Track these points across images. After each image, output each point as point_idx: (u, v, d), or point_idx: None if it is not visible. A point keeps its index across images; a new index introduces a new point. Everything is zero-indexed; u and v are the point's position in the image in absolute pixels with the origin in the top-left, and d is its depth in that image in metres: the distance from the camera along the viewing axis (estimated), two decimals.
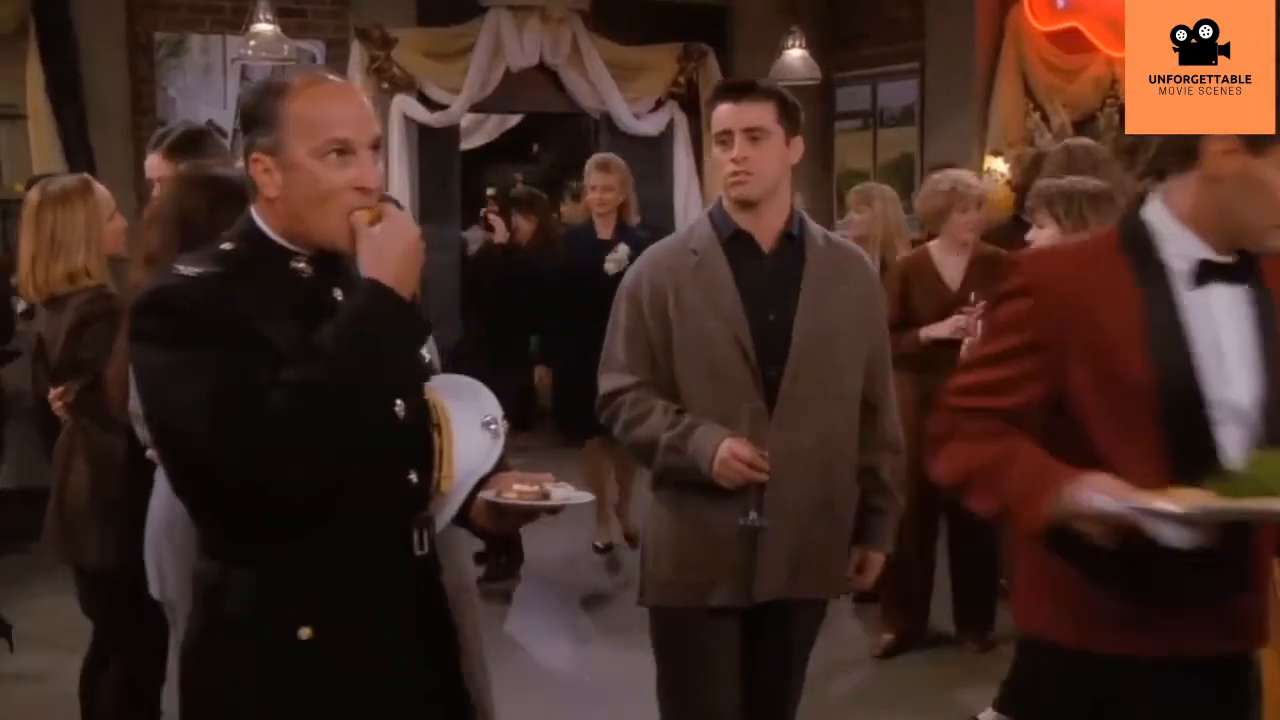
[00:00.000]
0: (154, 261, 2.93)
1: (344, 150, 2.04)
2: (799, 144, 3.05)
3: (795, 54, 8.13)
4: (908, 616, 5.31)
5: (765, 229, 3.03)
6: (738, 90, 3.02)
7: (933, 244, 5.18)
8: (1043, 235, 3.84)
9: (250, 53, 7.11)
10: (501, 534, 2.31)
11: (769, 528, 2.93)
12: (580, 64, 8.53)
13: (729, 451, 2.86)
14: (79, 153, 7.13)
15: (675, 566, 3.06)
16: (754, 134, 2.95)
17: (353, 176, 2.05)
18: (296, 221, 2.07)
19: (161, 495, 3.16)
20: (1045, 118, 7.70)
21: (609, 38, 8.59)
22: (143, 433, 2.97)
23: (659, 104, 8.93)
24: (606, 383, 3.09)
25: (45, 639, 5.11)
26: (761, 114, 2.96)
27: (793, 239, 3.04)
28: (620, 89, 8.67)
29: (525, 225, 7.27)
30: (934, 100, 8.19)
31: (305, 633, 2.04)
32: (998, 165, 7.51)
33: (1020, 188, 5.84)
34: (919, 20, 8.25)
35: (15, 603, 5.44)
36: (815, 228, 3.11)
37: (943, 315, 4.96)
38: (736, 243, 3.02)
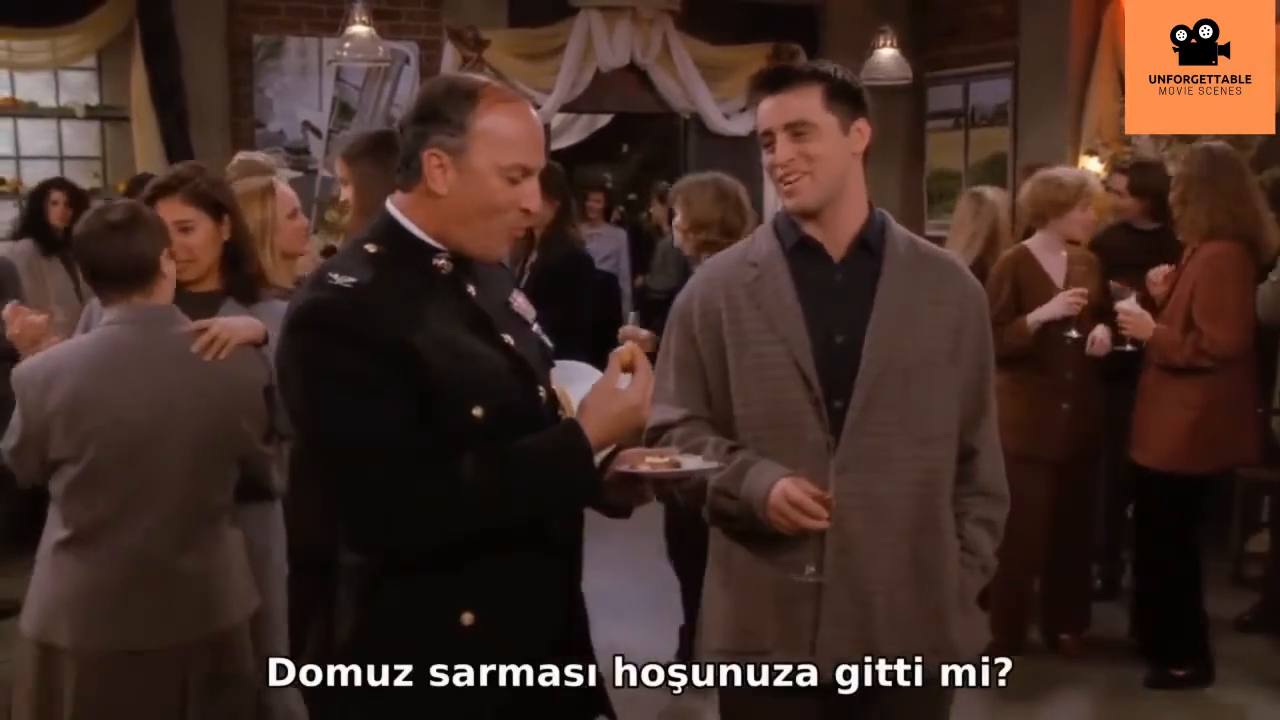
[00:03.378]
0: None
1: (525, 174, 2.11)
2: (864, 128, 2.51)
3: (886, 53, 8.06)
4: (1013, 622, 5.25)
5: (836, 235, 2.53)
6: (774, 79, 2.50)
7: (1031, 242, 5.14)
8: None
9: (345, 54, 7.22)
10: (632, 505, 2.32)
11: (831, 586, 2.47)
12: (670, 64, 8.55)
13: (780, 495, 2.38)
14: (180, 153, 7.28)
15: (725, 631, 2.60)
16: (798, 129, 2.45)
17: (522, 196, 2.12)
18: (457, 223, 2.12)
19: None
20: None
21: (699, 38, 8.60)
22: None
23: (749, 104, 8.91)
24: (654, 415, 2.53)
25: None
26: (803, 103, 2.45)
27: (868, 246, 2.54)
28: (710, 89, 8.67)
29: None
30: (1027, 99, 8.08)
31: (467, 618, 2.08)
32: (1092, 165, 7.40)
33: (1139, 190, 5.71)
34: (1013, 18, 8.15)
35: None
36: (899, 232, 2.59)
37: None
38: (802, 252, 2.54)
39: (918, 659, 2.49)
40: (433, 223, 2.13)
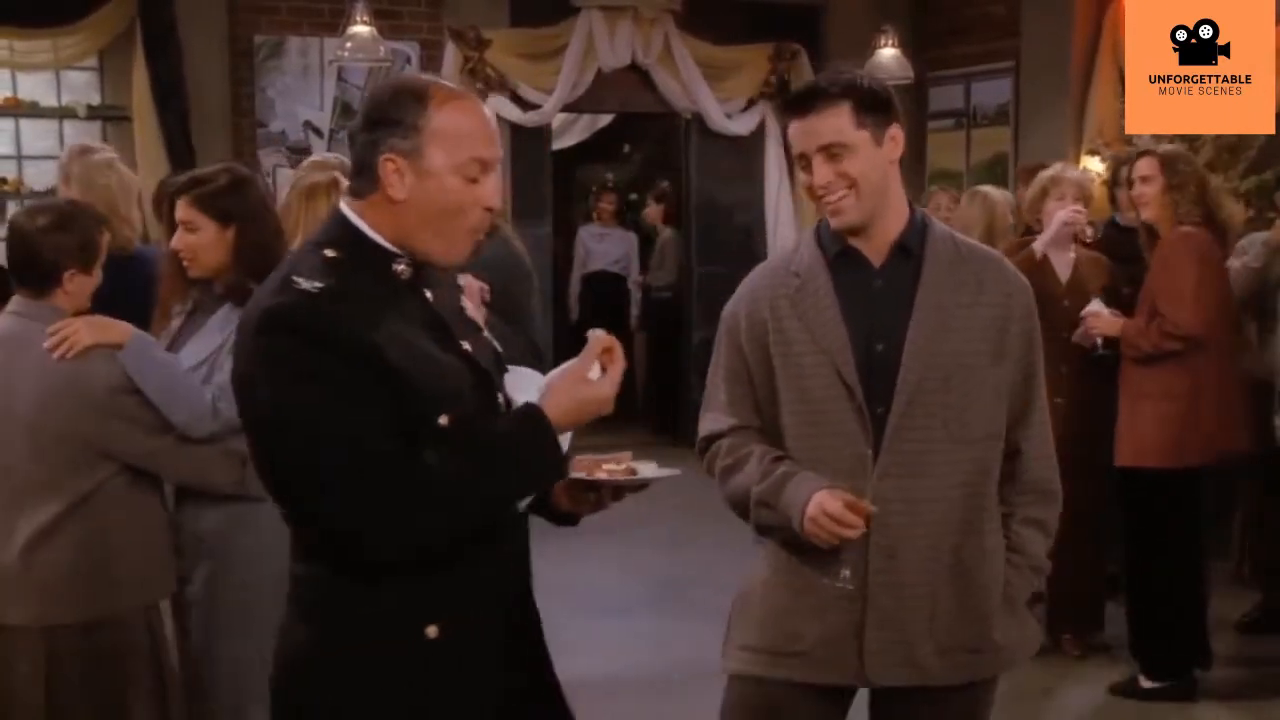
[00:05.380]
0: None
1: (483, 169, 2.08)
2: (897, 134, 2.50)
3: (888, 53, 8.07)
4: None
5: (877, 242, 2.53)
6: (802, 102, 2.49)
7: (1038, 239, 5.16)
8: None
9: (346, 54, 7.23)
10: (583, 514, 2.31)
11: (876, 591, 2.48)
12: (671, 64, 8.55)
13: (817, 507, 2.39)
14: (181, 153, 7.30)
15: (763, 630, 2.60)
16: (833, 150, 2.45)
17: (482, 194, 2.09)
18: (418, 227, 2.08)
19: None
20: None
21: (700, 37, 8.60)
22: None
23: (750, 103, 8.92)
24: (704, 425, 2.67)
25: None
26: (835, 124, 2.44)
27: (907, 250, 2.53)
28: (711, 89, 8.68)
29: None
30: (1028, 99, 8.09)
31: (432, 631, 2.06)
32: (1094, 165, 7.40)
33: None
34: (1014, 18, 8.15)
35: None
36: (941, 232, 2.59)
37: (1054, 312, 4.96)
38: (844, 261, 2.54)
39: (959, 661, 2.52)
40: (393, 228, 2.08)
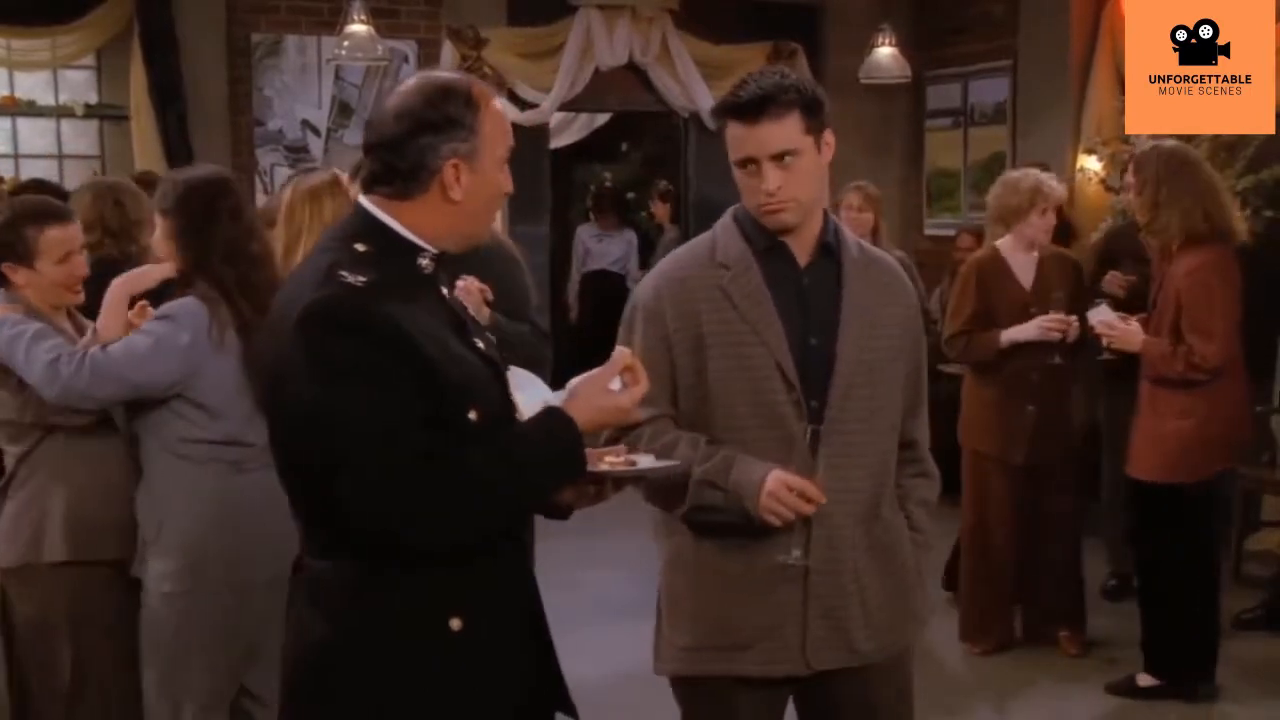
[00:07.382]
0: None
1: (508, 157, 2.18)
2: (830, 140, 2.59)
3: (886, 52, 8.06)
4: (998, 621, 5.28)
5: (802, 240, 2.62)
6: (751, 109, 2.51)
7: (1001, 242, 5.14)
8: None
9: (344, 53, 7.22)
10: (580, 507, 2.34)
11: (817, 578, 2.57)
12: (669, 63, 8.54)
13: (779, 482, 2.46)
14: (180, 152, 7.29)
15: (700, 628, 2.65)
16: (783, 157, 2.51)
17: (507, 181, 2.19)
18: (466, 221, 2.14)
19: None
20: None
21: (698, 36, 8.59)
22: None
23: None
24: None
25: None
26: (787, 132, 2.51)
27: (829, 250, 2.64)
28: (710, 87, 8.65)
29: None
30: (1026, 98, 8.08)
31: (455, 624, 2.07)
32: (1091, 163, 7.40)
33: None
34: (1012, 17, 8.14)
35: None
36: (850, 235, 2.71)
37: (1018, 315, 4.97)
38: (772, 255, 2.61)
39: (887, 640, 2.67)
40: (439, 226, 2.12)
